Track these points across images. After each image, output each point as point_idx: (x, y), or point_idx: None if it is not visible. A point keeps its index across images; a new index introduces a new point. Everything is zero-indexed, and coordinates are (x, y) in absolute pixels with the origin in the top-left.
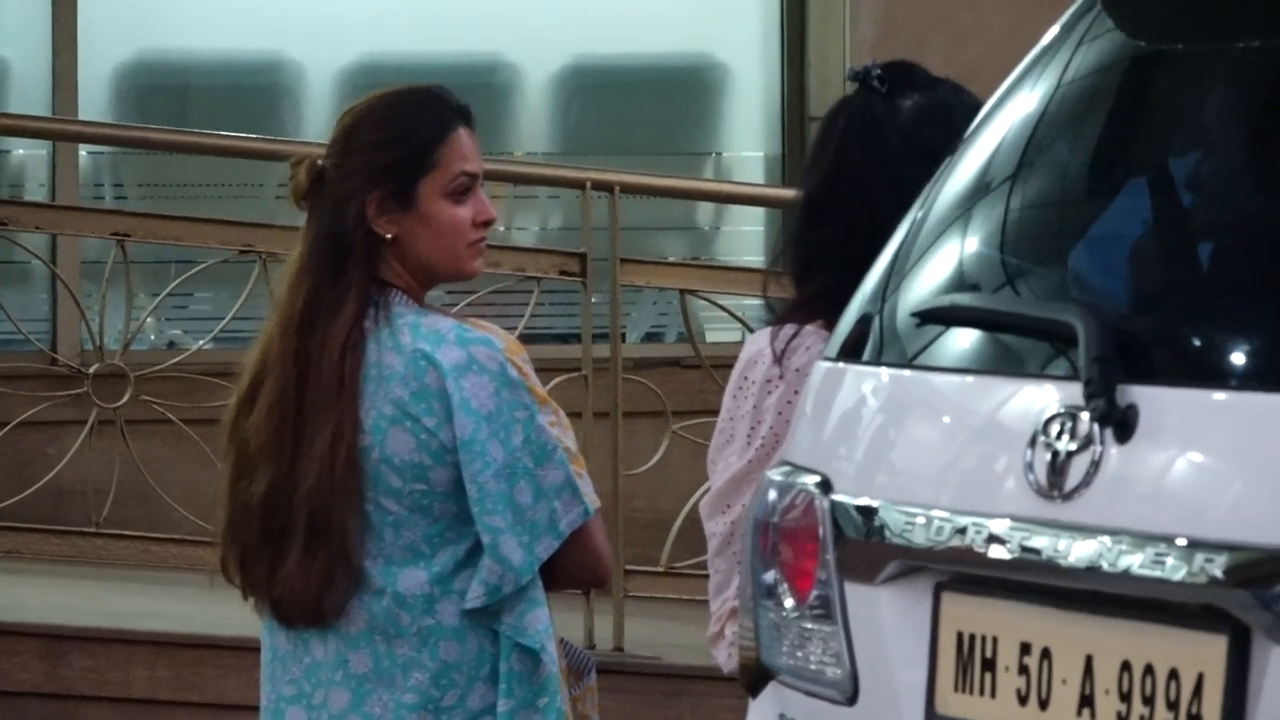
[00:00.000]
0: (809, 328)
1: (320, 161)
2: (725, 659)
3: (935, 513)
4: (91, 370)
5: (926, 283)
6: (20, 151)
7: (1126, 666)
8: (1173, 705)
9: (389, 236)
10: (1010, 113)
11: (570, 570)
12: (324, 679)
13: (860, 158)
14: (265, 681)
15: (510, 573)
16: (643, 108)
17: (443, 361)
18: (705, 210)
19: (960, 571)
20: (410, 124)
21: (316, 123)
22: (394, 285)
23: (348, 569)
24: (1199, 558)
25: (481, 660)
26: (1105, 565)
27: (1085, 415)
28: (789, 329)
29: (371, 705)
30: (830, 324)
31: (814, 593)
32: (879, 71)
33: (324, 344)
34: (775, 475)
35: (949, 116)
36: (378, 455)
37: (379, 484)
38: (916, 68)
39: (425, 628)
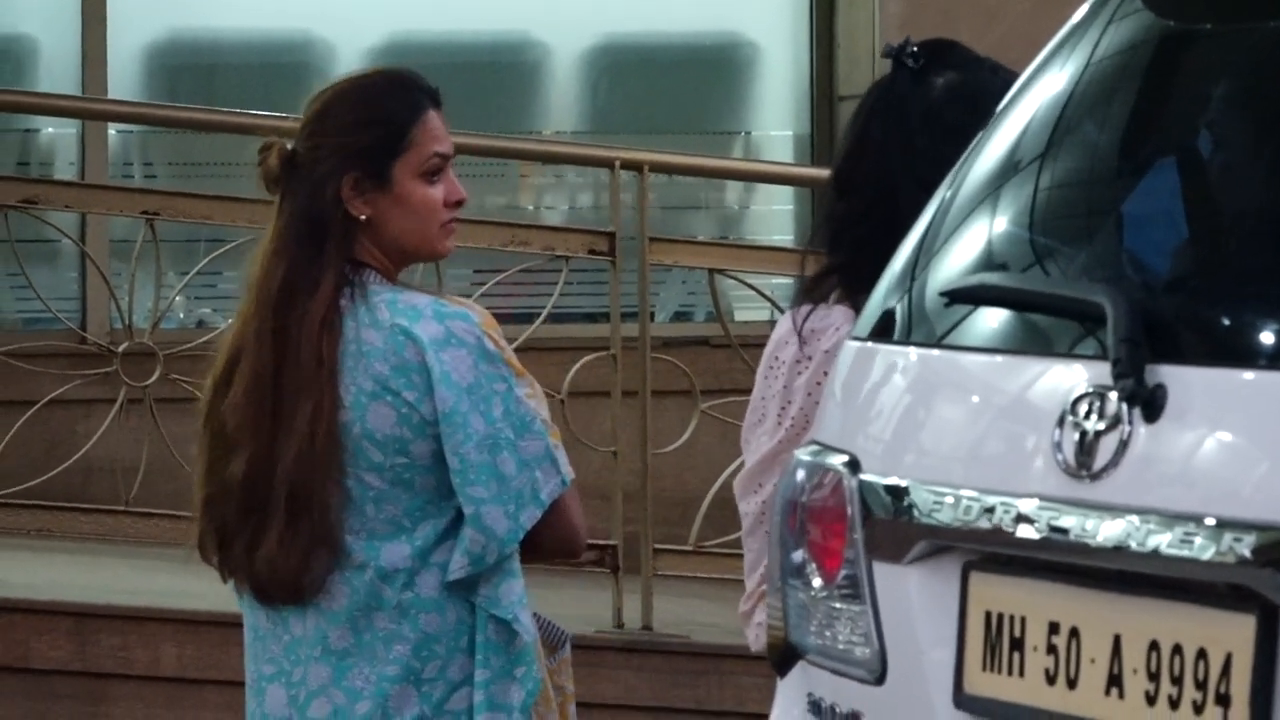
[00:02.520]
0: (838, 308)
1: (290, 145)
2: (754, 638)
3: (963, 492)
4: (120, 349)
5: (955, 262)
6: (49, 130)
7: (1155, 646)
8: (1201, 685)
9: (363, 217)
10: (1039, 92)
11: (548, 541)
12: (303, 656)
13: (882, 135)
14: (248, 660)
15: (494, 542)
16: (671, 87)
17: (421, 336)
18: (734, 189)
19: (988, 551)
20: (383, 107)
21: None
22: (368, 265)
23: (329, 545)
24: (1227, 537)
25: (460, 631)
26: (1133, 545)
27: (1113, 395)
28: (806, 308)
29: (353, 679)
30: (848, 299)
31: (842, 572)
32: (914, 49)
33: (302, 322)
34: (804, 455)
35: (978, 96)
36: (359, 430)
37: (360, 459)
38: (958, 45)
39: (405, 600)
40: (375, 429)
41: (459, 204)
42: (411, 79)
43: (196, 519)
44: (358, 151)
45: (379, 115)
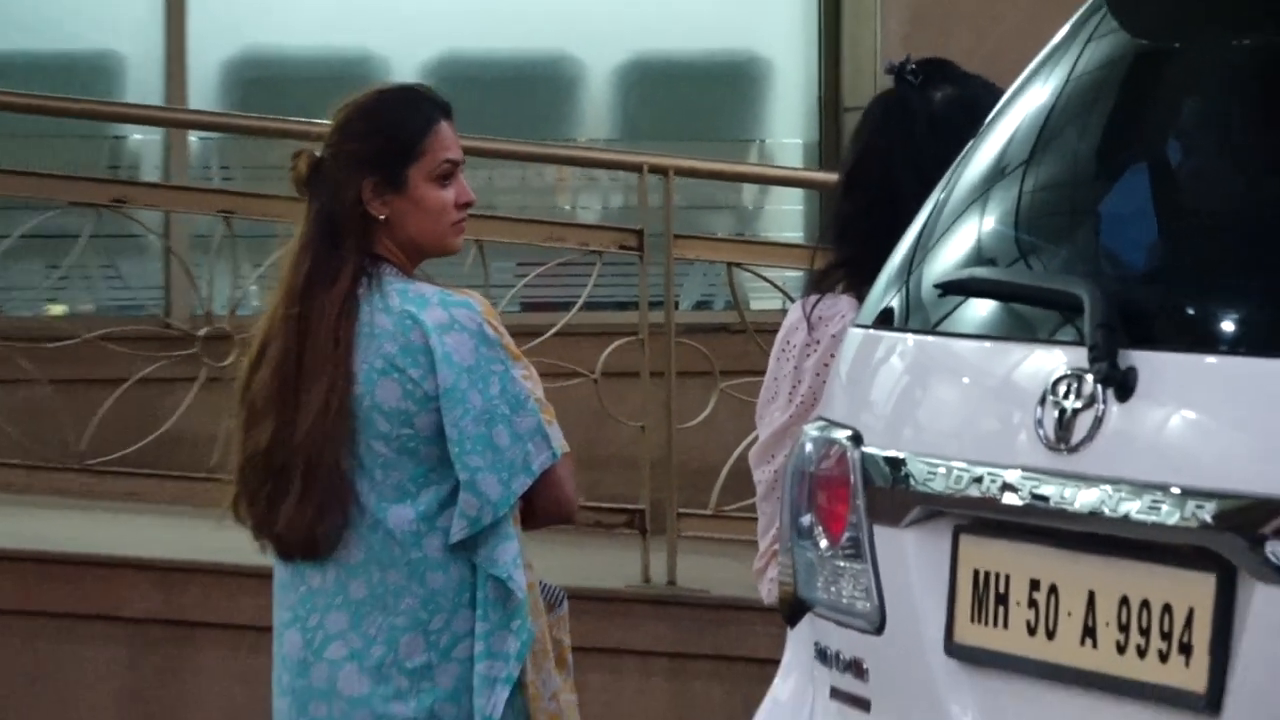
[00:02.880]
0: (843, 297)
1: (318, 153)
2: (767, 592)
3: (955, 463)
4: (201, 333)
5: (948, 257)
6: (137, 137)
7: (1125, 601)
8: (1166, 636)
9: (382, 217)
10: (1024, 104)
11: (542, 508)
12: (320, 604)
13: (887, 142)
14: (274, 609)
15: (488, 506)
16: (694, 98)
17: (427, 321)
18: (750, 191)
19: (977, 516)
20: (399, 117)
21: None
22: (387, 260)
23: (340, 506)
24: (1191, 504)
25: (463, 589)
26: (1106, 511)
27: (1090, 377)
28: (815, 297)
29: (367, 627)
30: (853, 289)
31: (846, 534)
32: (913, 66)
33: (322, 309)
34: (812, 430)
35: (975, 108)
36: (369, 403)
37: (370, 428)
38: (950, 63)
39: (414, 560)
40: (383, 402)
41: (467, 205)
42: (424, 93)
43: (232, 484)
44: (376, 158)
45: (395, 125)
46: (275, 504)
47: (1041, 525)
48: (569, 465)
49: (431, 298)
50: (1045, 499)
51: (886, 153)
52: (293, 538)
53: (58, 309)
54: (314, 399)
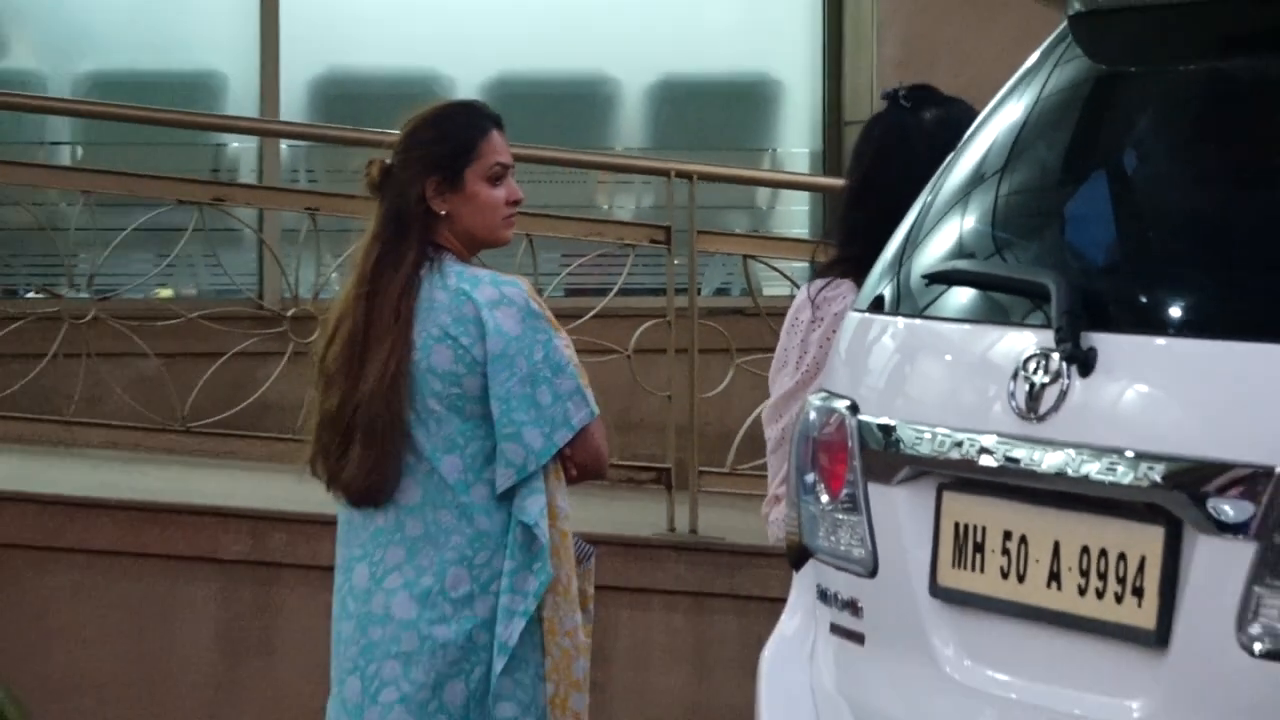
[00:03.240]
0: (845, 282)
1: (387, 160)
2: (771, 533)
3: (939, 430)
4: (289, 313)
5: (934, 252)
6: (235, 144)
7: (1085, 550)
8: (1121, 580)
9: (443, 213)
10: (1000, 120)
11: (580, 463)
12: (383, 541)
13: (889, 159)
14: (339, 546)
15: (531, 455)
16: (714, 112)
17: (479, 297)
18: (763, 193)
19: (958, 476)
20: (457, 126)
21: None
22: (447, 249)
23: (397, 455)
24: (1143, 466)
25: (504, 532)
26: (1070, 472)
27: (1056, 355)
28: (820, 282)
29: (421, 559)
30: (859, 281)
31: (844, 491)
32: (904, 92)
33: (387, 288)
34: (815, 400)
35: (960, 127)
36: (425, 365)
37: (425, 387)
38: (934, 89)
39: (464, 503)
40: (437, 365)
41: (516, 203)
42: (478, 106)
43: (311, 443)
44: (438, 161)
45: (454, 133)
46: (344, 457)
47: (1014, 484)
48: (601, 425)
49: (484, 278)
50: (1017, 461)
51: (889, 170)
52: (358, 485)
53: (166, 293)
54: (377, 364)
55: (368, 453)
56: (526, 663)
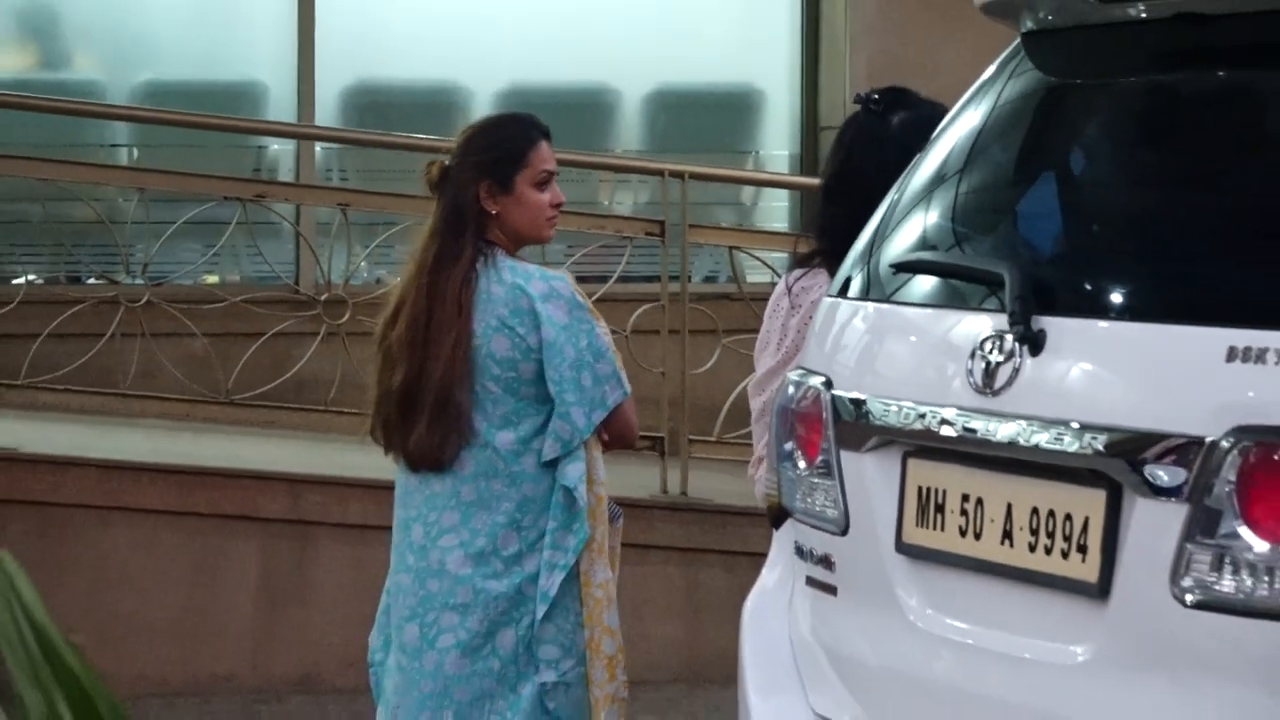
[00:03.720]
0: (821, 272)
1: (445, 162)
2: (757, 489)
3: (904, 403)
4: (322, 298)
5: (900, 244)
6: (275, 146)
7: (1035, 511)
8: (1067, 538)
9: (494, 212)
10: (960, 126)
11: (613, 435)
12: (440, 504)
13: (860, 160)
14: (397, 507)
15: (576, 431)
16: (705, 119)
17: (533, 291)
18: (747, 191)
19: (921, 444)
20: (510, 136)
21: None
22: (497, 245)
23: (459, 431)
24: (1087, 436)
25: (549, 496)
26: (1021, 441)
27: (1009, 337)
28: (798, 272)
29: (474, 523)
30: (833, 271)
31: (819, 458)
32: (876, 96)
33: (448, 279)
34: (793, 376)
35: (928, 130)
36: (485, 352)
37: (485, 372)
38: (909, 92)
39: (514, 472)
40: (496, 351)
41: (559, 206)
42: (530, 118)
43: (371, 414)
44: (492, 166)
45: (507, 142)
46: (407, 429)
47: (971, 452)
48: (632, 402)
49: (535, 273)
50: (974, 431)
51: (861, 170)
52: (421, 454)
53: (212, 279)
54: (443, 349)
55: (435, 426)
56: (567, 611)
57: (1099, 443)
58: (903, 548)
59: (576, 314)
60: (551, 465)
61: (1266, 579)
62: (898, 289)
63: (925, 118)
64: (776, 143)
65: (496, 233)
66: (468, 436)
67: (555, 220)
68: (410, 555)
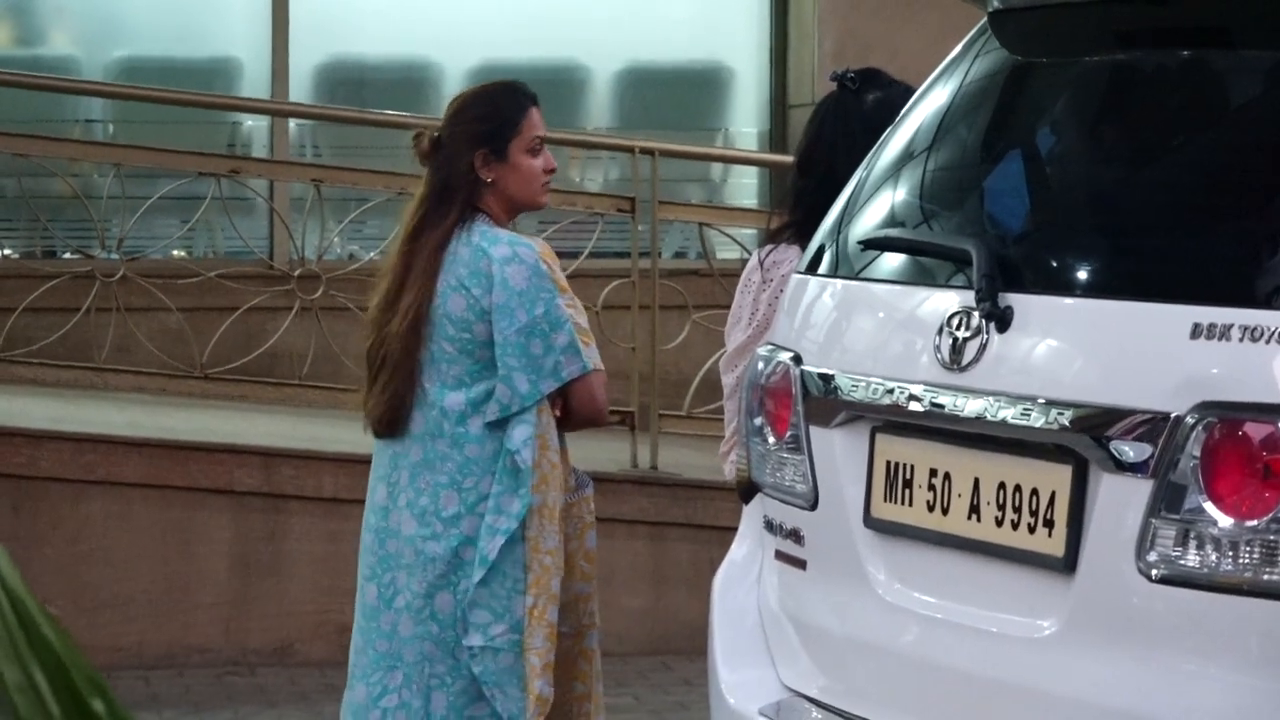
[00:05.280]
0: (792, 248)
1: (436, 132)
2: (728, 471)
3: (872, 378)
4: (296, 273)
5: (868, 221)
6: (249, 122)
7: (1002, 486)
8: (1034, 513)
9: (489, 180)
10: (926, 105)
11: (576, 411)
12: (398, 464)
13: (831, 135)
14: (371, 468)
15: (517, 397)
16: (674, 96)
17: (494, 254)
18: (717, 168)
19: (889, 419)
20: (503, 104)
21: None
22: (486, 213)
23: (411, 391)
24: (1053, 412)
25: (493, 459)
26: (989, 416)
27: (976, 313)
28: (769, 247)
29: (419, 482)
30: (805, 246)
31: (789, 433)
32: (852, 74)
33: (425, 245)
34: (763, 351)
35: (898, 109)
36: (441, 312)
37: (441, 331)
38: (881, 73)
39: (458, 434)
40: (452, 311)
41: (551, 171)
42: (519, 86)
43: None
44: (486, 135)
45: (500, 110)
46: (369, 393)
47: (939, 427)
48: (601, 379)
49: (503, 238)
50: (942, 407)
51: (831, 144)
52: (377, 415)
53: (186, 253)
54: (401, 309)
55: (387, 387)
56: (505, 576)
57: (1065, 418)
58: (871, 522)
59: (536, 281)
60: (500, 429)
61: (1230, 554)
62: (866, 266)
63: (898, 96)
64: (746, 120)
65: (489, 201)
66: (417, 395)
67: (549, 185)
68: (373, 515)
